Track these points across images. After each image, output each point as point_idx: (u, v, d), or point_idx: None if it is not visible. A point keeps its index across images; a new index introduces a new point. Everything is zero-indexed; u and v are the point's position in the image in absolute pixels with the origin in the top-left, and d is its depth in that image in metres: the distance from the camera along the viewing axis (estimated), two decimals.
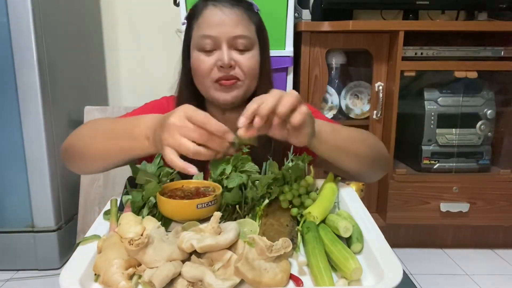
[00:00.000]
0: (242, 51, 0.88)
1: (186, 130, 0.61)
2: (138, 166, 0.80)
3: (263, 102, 0.62)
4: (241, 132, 0.63)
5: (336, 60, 1.74)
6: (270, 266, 0.53)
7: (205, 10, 0.88)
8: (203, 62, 0.87)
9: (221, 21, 0.86)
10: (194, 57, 0.89)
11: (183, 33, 0.95)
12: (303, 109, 0.63)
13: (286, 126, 0.65)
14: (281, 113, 0.62)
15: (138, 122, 0.72)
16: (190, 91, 0.93)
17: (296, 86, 1.63)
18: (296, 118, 0.62)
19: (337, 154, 0.76)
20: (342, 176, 0.83)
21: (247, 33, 0.87)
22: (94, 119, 0.86)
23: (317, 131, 0.70)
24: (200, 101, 0.94)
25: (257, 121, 0.61)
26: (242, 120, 0.62)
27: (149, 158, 0.83)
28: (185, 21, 0.94)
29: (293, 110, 0.63)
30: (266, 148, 0.86)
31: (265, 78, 0.93)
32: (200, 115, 0.62)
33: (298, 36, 1.60)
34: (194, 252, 0.56)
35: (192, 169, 0.62)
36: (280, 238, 0.55)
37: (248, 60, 0.88)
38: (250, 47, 0.88)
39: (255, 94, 0.93)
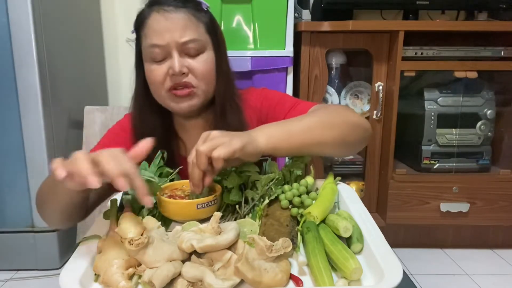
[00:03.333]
0: (193, 55, 0.85)
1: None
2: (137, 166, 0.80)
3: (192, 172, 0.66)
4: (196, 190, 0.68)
5: (336, 60, 1.74)
6: (270, 266, 0.53)
7: (149, 18, 0.85)
8: (155, 72, 0.85)
9: (167, 28, 0.83)
10: (146, 68, 0.87)
11: (134, 42, 0.92)
12: (218, 153, 0.61)
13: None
14: (203, 169, 0.64)
15: None
16: (146, 102, 0.91)
17: (296, 86, 1.63)
18: (217, 164, 0.62)
19: (301, 150, 0.74)
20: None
21: (196, 36, 0.84)
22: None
23: (265, 139, 0.68)
24: (158, 110, 0.92)
25: (195, 190, 0.67)
26: (192, 188, 0.67)
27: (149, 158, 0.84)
28: (134, 29, 0.92)
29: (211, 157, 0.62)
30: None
31: (222, 78, 0.91)
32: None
33: (298, 36, 1.60)
34: (194, 252, 0.56)
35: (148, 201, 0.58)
36: (280, 238, 0.55)
37: (201, 65, 0.86)
38: (202, 50, 0.86)
39: (214, 96, 0.92)
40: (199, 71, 0.86)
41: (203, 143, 0.63)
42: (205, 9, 0.90)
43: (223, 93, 0.91)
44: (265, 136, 0.68)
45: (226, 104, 0.91)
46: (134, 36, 0.92)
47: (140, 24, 0.87)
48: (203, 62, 0.86)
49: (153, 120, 0.93)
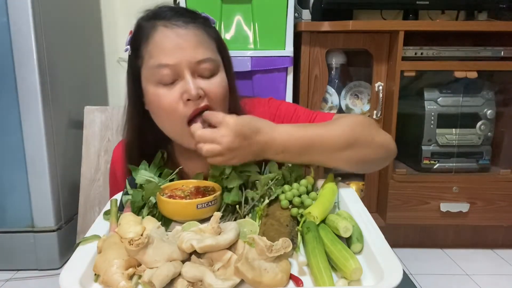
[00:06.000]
0: (207, 77, 0.74)
1: None
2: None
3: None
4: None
5: (336, 60, 1.74)
6: (270, 266, 0.53)
7: (154, 32, 0.73)
8: (164, 97, 0.72)
9: (178, 45, 0.71)
10: (151, 92, 0.74)
11: (127, 61, 0.80)
12: (213, 161, 0.69)
13: None
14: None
15: None
16: (143, 131, 0.81)
17: (296, 86, 1.63)
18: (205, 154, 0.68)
19: (322, 163, 0.72)
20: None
21: (210, 54, 0.74)
22: None
23: (280, 150, 0.70)
24: (157, 138, 0.82)
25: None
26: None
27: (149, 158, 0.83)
28: (128, 47, 0.79)
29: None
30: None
31: (233, 101, 0.82)
32: None
33: (298, 36, 1.60)
34: (194, 252, 0.56)
35: None
36: (280, 238, 0.55)
37: (217, 88, 0.75)
38: (216, 71, 0.75)
39: None
40: (215, 94, 0.74)
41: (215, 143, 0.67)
42: (213, 25, 0.82)
43: (233, 113, 0.81)
44: (280, 150, 0.70)
45: None
46: (127, 54, 0.80)
47: (141, 40, 0.75)
48: (219, 85, 0.75)
49: (152, 150, 0.82)
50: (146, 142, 0.82)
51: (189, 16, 0.76)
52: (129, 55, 0.79)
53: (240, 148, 0.67)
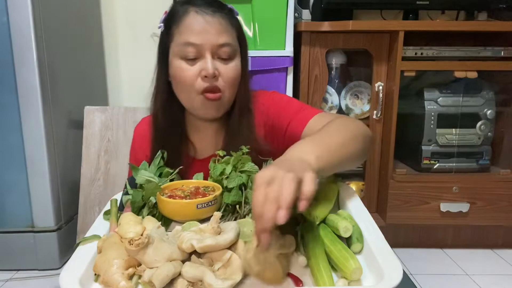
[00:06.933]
0: (225, 60, 0.87)
1: None
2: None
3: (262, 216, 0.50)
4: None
5: (336, 60, 1.74)
6: (274, 263, 0.53)
7: (186, 16, 0.85)
8: (186, 71, 0.85)
9: (205, 29, 0.84)
10: (175, 65, 0.87)
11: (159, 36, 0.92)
12: (309, 176, 0.53)
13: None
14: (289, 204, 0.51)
15: None
16: (168, 99, 0.92)
17: (296, 86, 1.63)
18: (308, 191, 0.52)
19: (337, 168, 0.70)
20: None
21: (230, 40, 0.86)
22: None
23: (316, 164, 0.60)
24: (177, 109, 0.94)
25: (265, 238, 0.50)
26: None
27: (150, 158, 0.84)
28: (162, 24, 0.91)
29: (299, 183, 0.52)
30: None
31: (243, 85, 0.93)
32: None
33: (298, 36, 1.60)
34: (194, 252, 0.56)
35: None
36: (281, 237, 0.55)
37: (231, 71, 0.87)
38: (233, 56, 0.88)
39: (234, 102, 0.93)
40: (229, 76, 0.87)
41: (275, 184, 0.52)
42: (236, 16, 0.92)
43: (243, 100, 0.93)
44: (315, 161, 0.60)
45: (244, 111, 0.93)
46: (159, 31, 0.92)
47: (173, 20, 0.87)
48: (233, 68, 0.88)
49: (172, 119, 0.94)
50: (170, 110, 0.93)
51: (217, 6, 0.87)
52: (161, 32, 0.91)
53: (279, 165, 0.55)
